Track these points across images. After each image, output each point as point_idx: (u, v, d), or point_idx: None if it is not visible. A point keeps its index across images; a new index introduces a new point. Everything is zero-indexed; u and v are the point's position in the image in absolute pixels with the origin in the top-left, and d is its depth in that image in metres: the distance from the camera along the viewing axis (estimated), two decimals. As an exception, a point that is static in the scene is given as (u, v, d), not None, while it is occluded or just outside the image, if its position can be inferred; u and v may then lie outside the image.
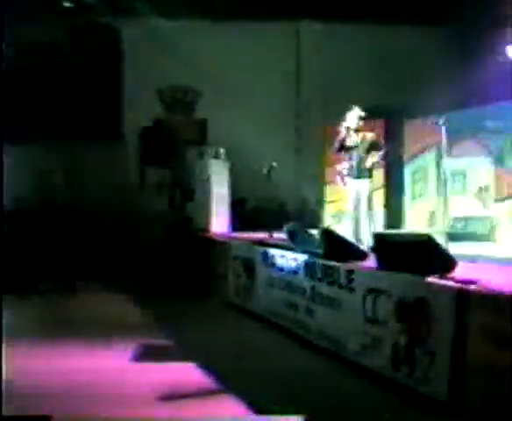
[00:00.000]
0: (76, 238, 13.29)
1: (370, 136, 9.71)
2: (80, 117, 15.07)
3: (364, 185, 9.52)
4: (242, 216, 14.65)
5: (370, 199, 9.54)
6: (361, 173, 9.55)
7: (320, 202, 15.21)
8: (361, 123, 9.72)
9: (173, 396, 6.09)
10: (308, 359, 7.50)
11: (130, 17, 15.03)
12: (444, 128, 7.86)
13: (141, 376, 6.78)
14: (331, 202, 14.57)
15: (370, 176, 9.59)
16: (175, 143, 15.38)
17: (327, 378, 6.72)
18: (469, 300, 5.40)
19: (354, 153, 9.69)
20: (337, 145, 9.87)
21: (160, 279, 12.68)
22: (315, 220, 14.27)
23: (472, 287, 5.49)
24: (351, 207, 9.76)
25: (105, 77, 15.62)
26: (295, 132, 16.88)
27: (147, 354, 7.64)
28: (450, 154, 10.57)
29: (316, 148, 15.53)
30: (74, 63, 15.12)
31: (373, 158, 9.58)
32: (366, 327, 6.75)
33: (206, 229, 13.43)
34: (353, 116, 9.71)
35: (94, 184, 14.81)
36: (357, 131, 9.70)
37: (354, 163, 9.65)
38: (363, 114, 9.74)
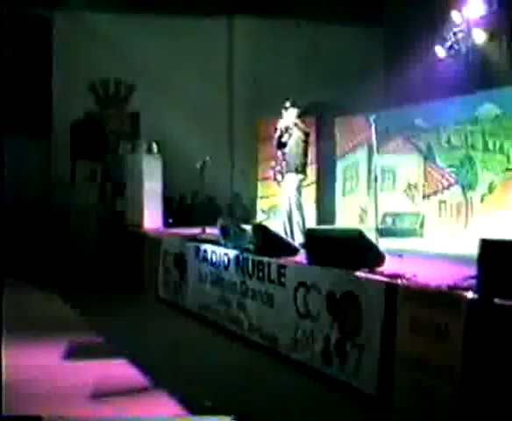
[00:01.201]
0: (4, 233, 12.96)
1: (297, 130, 9.71)
2: (9, 111, 14.63)
3: (293, 179, 9.54)
4: (178, 211, 14.59)
5: (299, 193, 9.53)
6: (291, 167, 9.56)
7: (253, 197, 15.28)
8: (298, 121, 9.73)
9: (105, 393, 6.03)
10: (240, 354, 7.52)
11: (61, 9, 14.79)
12: (373, 126, 7.97)
13: (73, 374, 6.67)
14: (264, 197, 14.67)
15: (300, 171, 9.56)
16: (107, 136, 15.24)
17: (260, 373, 6.75)
18: (397, 293, 5.51)
19: (287, 149, 9.73)
20: (275, 143, 9.89)
21: (91, 275, 12.51)
22: (247, 215, 14.34)
23: (400, 280, 5.61)
24: (283, 203, 9.79)
25: (35, 70, 15.27)
26: (228, 128, 16.89)
27: (79, 352, 7.52)
28: (380, 152, 10.74)
29: (249, 144, 15.60)
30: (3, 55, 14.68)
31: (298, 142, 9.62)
32: (297, 321, 6.81)
33: (138, 224, 13.28)
34: (290, 115, 9.74)
35: (22, 178, 14.49)
36: (291, 128, 9.70)
37: (286, 158, 9.69)
38: (298, 112, 9.78)
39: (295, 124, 9.62)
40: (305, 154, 9.66)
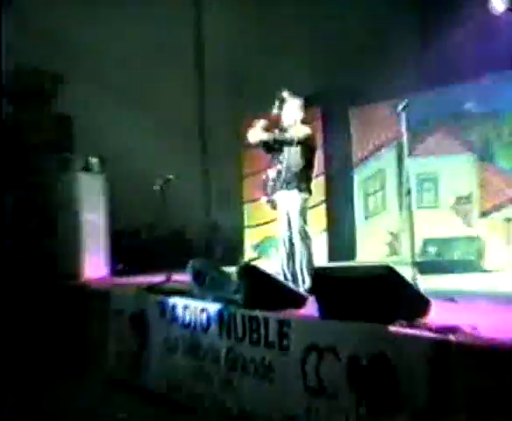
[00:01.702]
0: None
1: (302, 131, 9.72)
2: None
3: (294, 200, 9.54)
4: (131, 252, 14.57)
5: (303, 219, 9.54)
6: (291, 183, 9.58)
7: (238, 227, 15.28)
8: (302, 115, 9.77)
9: None
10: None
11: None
12: (404, 116, 7.98)
13: None
14: (254, 226, 14.67)
15: (305, 188, 9.58)
16: (25, 149, 15.19)
17: None
18: (449, 355, 5.48)
19: (284, 157, 9.71)
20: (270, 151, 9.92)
21: (14, 345, 12.41)
22: (231, 253, 14.33)
23: (453, 336, 5.58)
24: (281, 232, 9.78)
25: None
26: (199, 133, 16.94)
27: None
28: (415, 153, 10.75)
29: (230, 153, 15.63)
30: None
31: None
32: (308, 400, 6.77)
33: (75, 274, 13.24)
34: (289, 109, 9.76)
35: None
36: (291, 129, 9.70)
37: (283, 170, 9.67)
38: (300, 104, 9.81)
39: (297, 124, 9.67)
40: (311, 164, 9.67)
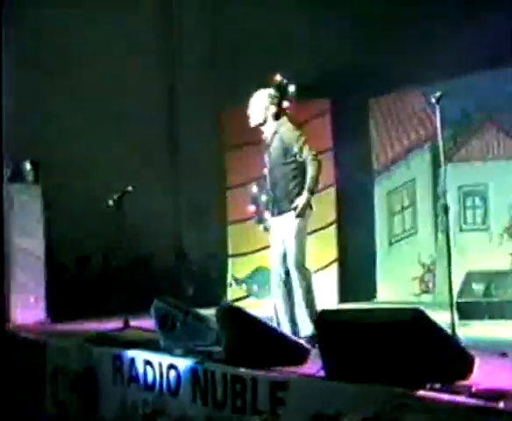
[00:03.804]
0: None
1: (287, 133, 9.59)
2: None
3: (289, 224, 9.42)
4: (76, 289, 14.56)
5: (300, 250, 9.44)
6: (282, 202, 9.49)
7: (218, 255, 15.29)
8: (272, 109, 9.67)
9: None
10: None
11: None
12: (438, 109, 7.97)
13: None
14: (240, 255, 14.65)
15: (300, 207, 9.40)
16: None
17: None
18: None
19: (266, 166, 9.62)
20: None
21: None
22: (209, 290, 14.32)
23: (503, 404, 5.54)
24: (274, 266, 9.77)
25: None
26: (168, 132, 17.02)
27: None
28: (455, 158, 10.75)
29: (207, 159, 15.66)
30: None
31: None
32: None
33: (3, 318, 13.22)
34: (261, 100, 9.69)
35: None
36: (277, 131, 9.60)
37: (269, 186, 9.64)
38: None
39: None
40: (303, 176, 9.51)
